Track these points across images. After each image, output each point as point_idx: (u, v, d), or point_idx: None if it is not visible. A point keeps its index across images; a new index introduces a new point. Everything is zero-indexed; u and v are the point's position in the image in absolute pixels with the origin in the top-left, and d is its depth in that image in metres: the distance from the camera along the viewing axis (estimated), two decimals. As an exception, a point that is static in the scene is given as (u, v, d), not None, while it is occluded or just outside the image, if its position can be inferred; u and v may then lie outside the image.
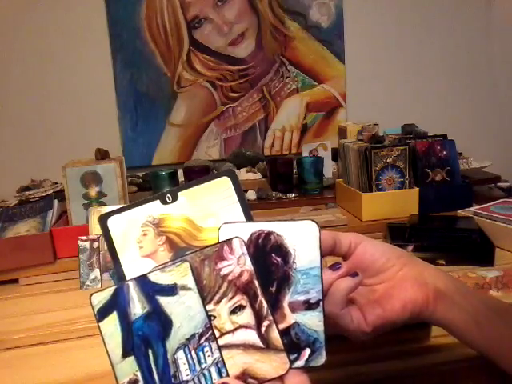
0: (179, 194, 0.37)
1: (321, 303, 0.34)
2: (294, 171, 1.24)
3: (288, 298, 0.34)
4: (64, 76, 1.50)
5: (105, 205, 0.93)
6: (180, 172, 1.20)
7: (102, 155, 0.99)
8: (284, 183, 1.20)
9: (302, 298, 0.34)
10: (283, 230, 0.34)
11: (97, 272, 0.80)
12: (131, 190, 1.29)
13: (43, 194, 1.10)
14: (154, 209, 0.36)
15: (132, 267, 0.35)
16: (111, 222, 0.35)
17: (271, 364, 0.32)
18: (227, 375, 0.31)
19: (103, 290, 0.31)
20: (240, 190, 0.37)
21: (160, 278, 0.32)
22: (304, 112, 1.63)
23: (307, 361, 0.33)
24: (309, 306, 0.34)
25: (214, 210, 0.37)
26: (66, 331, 0.64)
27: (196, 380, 0.31)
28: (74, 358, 0.59)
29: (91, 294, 0.31)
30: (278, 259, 0.34)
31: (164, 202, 0.36)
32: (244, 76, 1.57)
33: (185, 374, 0.31)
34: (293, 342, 0.33)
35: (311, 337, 0.33)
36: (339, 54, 1.62)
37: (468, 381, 0.50)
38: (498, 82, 1.76)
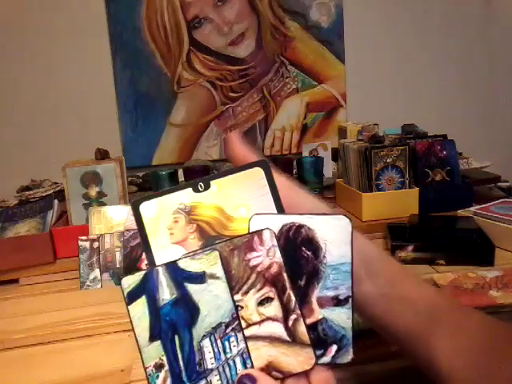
0: (211, 182, 0.36)
1: (350, 300, 0.33)
2: (294, 171, 1.24)
3: (317, 293, 0.33)
4: (64, 76, 1.50)
5: (105, 205, 0.93)
6: (180, 172, 1.20)
7: (102, 155, 0.99)
8: (284, 183, 1.20)
9: (331, 293, 0.33)
10: (315, 223, 0.33)
11: (97, 272, 0.80)
12: (131, 190, 1.29)
13: (43, 194, 1.10)
14: (185, 196, 0.36)
15: (162, 253, 0.35)
16: (143, 208, 0.35)
17: (297, 358, 0.31)
18: (252, 366, 0.31)
19: (133, 273, 0.32)
20: (272, 181, 0.36)
21: (189, 266, 0.32)
22: (304, 112, 1.63)
23: (334, 357, 0.32)
24: (338, 302, 0.33)
25: (245, 200, 0.36)
26: (66, 331, 0.64)
27: (220, 369, 0.31)
28: (73, 358, 0.59)
29: (121, 277, 0.31)
30: (309, 253, 0.33)
31: (196, 190, 0.36)
32: (244, 76, 1.57)
33: (210, 362, 0.31)
34: (320, 338, 0.32)
35: (339, 333, 0.33)
36: (339, 54, 1.62)
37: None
38: (497, 82, 1.76)
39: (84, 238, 0.83)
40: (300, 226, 0.34)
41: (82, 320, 0.66)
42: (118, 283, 0.88)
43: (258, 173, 0.36)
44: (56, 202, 0.97)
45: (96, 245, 0.82)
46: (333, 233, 0.33)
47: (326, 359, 0.32)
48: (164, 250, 0.35)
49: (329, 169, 1.33)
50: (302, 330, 0.32)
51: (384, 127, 1.33)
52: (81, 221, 0.93)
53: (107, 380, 0.53)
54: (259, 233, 0.33)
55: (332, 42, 1.61)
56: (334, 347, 0.32)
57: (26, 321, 0.68)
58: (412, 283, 0.40)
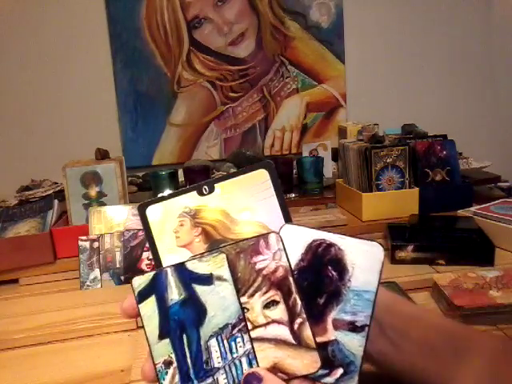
0: (216, 185, 0.36)
1: (366, 329, 0.32)
2: (294, 171, 1.24)
3: (334, 314, 0.32)
4: (64, 76, 1.50)
5: (105, 205, 0.93)
6: (180, 172, 1.20)
7: (102, 155, 0.99)
8: (284, 183, 1.20)
9: (348, 317, 0.32)
10: (346, 245, 0.33)
11: (97, 272, 0.80)
12: (131, 190, 1.29)
13: (43, 194, 1.10)
14: (190, 200, 0.36)
15: (168, 256, 0.36)
16: (150, 211, 0.36)
17: (302, 361, 0.31)
18: (257, 367, 0.32)
19: (144, 274, 0.33)
20: (277, 183, 0.36)
21: (197, 267, 0.33)
22: (304, 112, 1.63)
23: (337, 380, 0.32)
24: (353, 327, 0.32)
25: (249, 203, 0.36)
26: (66, 331, 0.64)
27: (227, 368, 0.32)
28: (73, 358, 0.59)
29: (132, 278, 0.33)
30: (334, 273, 0.33)
31: (201, 194, 0.36)
32: (244, 76, 1.57)
33: (216, 361, 0.32)
34: (327, 358, 0.32)
35: (347, 358, 0.32)
36: (339, 54, 1.62)
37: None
38: (497, 82, 1.76)
39: (84, 237, 0.83)
40: (330, 245, 0.33)
41: (82, 320, 0.66)
42: (118, 283, 0.89)
43: (263, 175, 0.37)
44: (56, 202, 0.97)
45: (96, 245, 0.82)
46: (362, 258, 0.32)
47: (330, 380, 0.32)
48: (170, 253, 0.36)
49: (329, 169, 1.33)
50: (307, 333, 0.32)
51: (384, 127, 1.33)
52: (81, 221, 0.93)
53: (107, 380, 0.53)
54: (265, 236, 0.33)
55: (332, 42, 1.61)
56: (340, 370, 0.32)
57: (26, 321, 0.68)
58: (428, 327, 0.38)
